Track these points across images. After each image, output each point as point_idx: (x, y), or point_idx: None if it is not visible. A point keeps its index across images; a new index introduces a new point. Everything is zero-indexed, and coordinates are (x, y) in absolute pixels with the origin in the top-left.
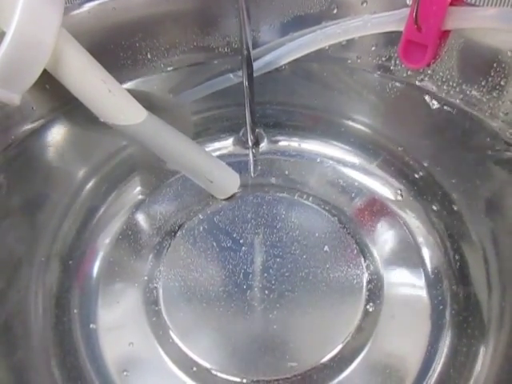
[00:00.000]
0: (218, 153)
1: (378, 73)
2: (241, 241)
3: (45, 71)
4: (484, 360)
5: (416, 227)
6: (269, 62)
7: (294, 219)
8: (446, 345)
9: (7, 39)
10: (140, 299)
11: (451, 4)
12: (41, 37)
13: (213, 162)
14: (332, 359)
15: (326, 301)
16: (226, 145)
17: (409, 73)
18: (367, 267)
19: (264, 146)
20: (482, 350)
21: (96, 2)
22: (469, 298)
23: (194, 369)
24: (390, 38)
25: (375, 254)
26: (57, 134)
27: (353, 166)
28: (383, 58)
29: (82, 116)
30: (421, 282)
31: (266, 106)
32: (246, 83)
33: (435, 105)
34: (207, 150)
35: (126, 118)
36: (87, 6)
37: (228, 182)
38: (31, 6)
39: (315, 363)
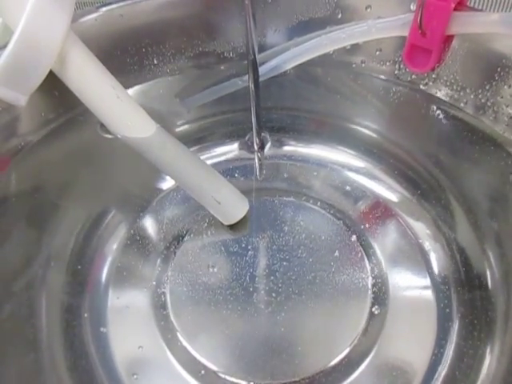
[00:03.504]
0: (223, 157)
1: (383, 77)
2: (247, 245)
3: (54, 77)
4: (490, 362)
5: (421, 230)
6: (274, 66)
7: (300, 223)
8: (452, 347)
9: (14, 38)
10: (149, 303)
11: (455, 9)
12: (48, 37)
13: (221, 181)
14: (340, 362)
15: (332, 303)
16: (232, 149)
17: (413, 77)
18: (372, 270)
19: (269, 150)
20: (488, 352)
21: (103, 9)
22: (475, 301)
23: (202, 372)
24: (395, 43)
25: (380, 256)
26: (65, 140)
27: (358, 170)
28: (387, 63)
29: (91, 122)
30: (426, 284)
31: (270, 111)
32: (252, 88)
33: (439, 109)
34: (213, 154)
35: (134, 129)
36: (95, 13)
37: (236, 204)
38: (40, 6)
39: (323, 366)
